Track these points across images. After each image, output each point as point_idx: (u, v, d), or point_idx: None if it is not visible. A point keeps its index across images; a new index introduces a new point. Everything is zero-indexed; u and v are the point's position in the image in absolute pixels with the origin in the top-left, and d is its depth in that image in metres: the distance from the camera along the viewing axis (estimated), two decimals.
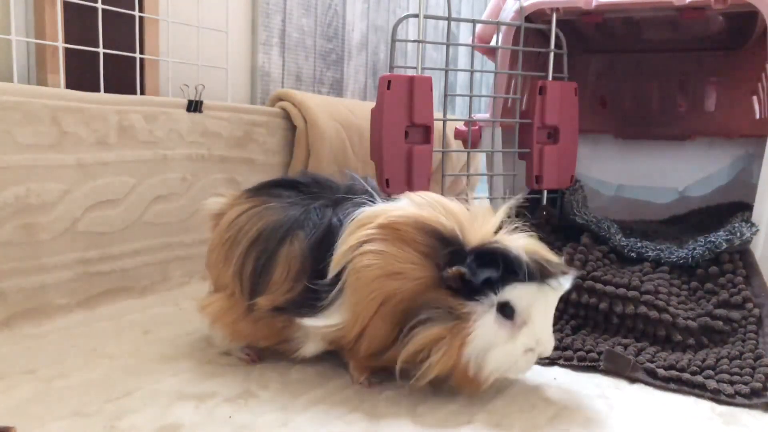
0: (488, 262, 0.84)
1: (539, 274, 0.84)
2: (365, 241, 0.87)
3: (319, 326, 0.89)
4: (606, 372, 1.04)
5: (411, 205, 0.90)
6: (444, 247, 0.85)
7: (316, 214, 0.94)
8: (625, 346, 1.09)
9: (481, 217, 0.89)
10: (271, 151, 1.70)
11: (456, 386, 0.89)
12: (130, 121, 1.33)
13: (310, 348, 0.96)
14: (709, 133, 1.78)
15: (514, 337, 0.85)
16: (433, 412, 0.87)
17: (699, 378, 0.98)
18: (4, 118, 1.12)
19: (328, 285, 0.89)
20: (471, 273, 0.83)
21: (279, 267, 0.93)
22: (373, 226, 0.87)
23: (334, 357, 1.03)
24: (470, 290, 0.84)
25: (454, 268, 0.83)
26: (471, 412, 0.88)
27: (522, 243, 0.87)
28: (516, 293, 0.84)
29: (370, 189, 0.98)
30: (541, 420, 0.86)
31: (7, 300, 1.13)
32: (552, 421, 0.86)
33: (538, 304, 0.86)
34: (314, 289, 0.89)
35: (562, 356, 1.07)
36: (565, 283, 0.87)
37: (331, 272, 0.88)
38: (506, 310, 0.85)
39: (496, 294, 0.84)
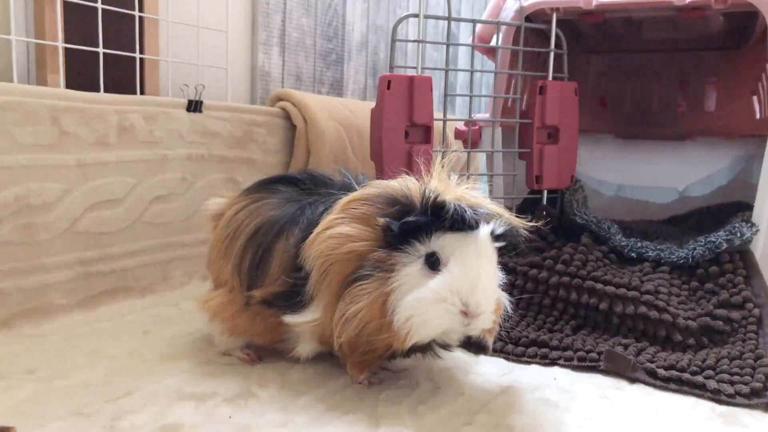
0: (421, 214, 0.83)
1: (457, 219, 0.81)
2: (328, 227, 0.87)
3: (298, 322, 0.90)
4: (606, 372, 1.04)
5: (369, 187, 0.91)
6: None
7: (311, 211, 0.95)
8: (626, 346, 1.09)
9: (433, 179, 0.89)
10: (271, 151, 1.70)
11: (386, 343, 0.87)
12: (130, 121, 1.33)
13: (304, 348, 0.96)
14: (709, 133, 1.78)
15: (426, 284, 0.82)
16: (433, 412, 0.87)
17: (699, 378, 0.98)
18: (4, 118, 1.12)
19: (304, 278, 0.89)
20: (393, 223, 0.82)
21: (275, 261, 0.93)
22: (336, 211, 0.89)
23: (334, 357, 1.04)
24: (399, 243, 0.83)
25: (380, 220, 0.84)
26: (471, 412, 0.88)
27: (456, 192, 0.86)
28: (440, 242, 0.83)
29: (355, 184, 0.98)
30: (541, 420, 0.86)
31: (7, 300, 1.13)
32: (552, 422, 0.86)
33: (458, 253, 0.82)
34: (297, 283, 0.90)
35: (562, 356, 1.07)
36: (485, 231, 0.83)
37: (306, 264, 0.89)
38: (433, 261, 0.83)
39: (422, 244, 0.83)
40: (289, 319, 0.90)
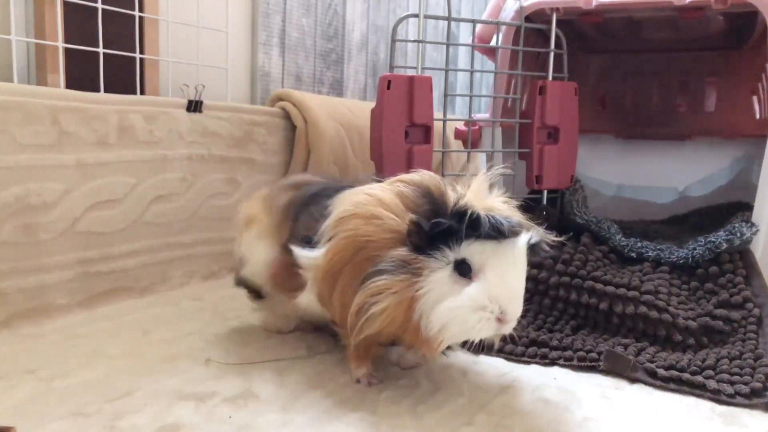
0: (452, 219, 0.84)
1: (494, 230, 0.81)
2: (371, 188, 0.90)
3: (304, 255, 0.93)
4: (606, 372, 1.04)
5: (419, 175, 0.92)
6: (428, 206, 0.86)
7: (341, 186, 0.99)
8: (625, 346, 1.09)
9: (471, 186, 0.90)
10: (271, 151, 1.70)
11: (410, 346, 0.90)
12: (130, 121, 1.33)
13: (305, 297, 0.98)
14: (709, 133, 1.78)
15: (462, 291, 0.82)
16: (433, 412, 0.87)
17: (699, 378, 0.98)
18: (4, 118, 1.12)
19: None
20: (425, 222, 0.82)
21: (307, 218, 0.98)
22: (387, 182, 0.91)
23: (333, 356, 1.04)
24: (428, 246, 0.83)
25: (410, 217, 0.84)
26: (471, 412, 0.88)
27: (487, 202, 0.86)
28: (471, 250, 0.82)
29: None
30: (541, 420, 0.87)
31: (7, 300, 1.13)
32: (552, 422, 0.86)
33: (494, 261, 0.83)
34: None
35: (562, 356, 1.07)
36: (524, 240, 0.84)
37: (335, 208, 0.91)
38: (463, 268, 0.83)
39: (452, 250, 0.83)
40: (298, 252, 0.93)
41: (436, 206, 0.85)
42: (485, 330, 0.84)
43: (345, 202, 0.90)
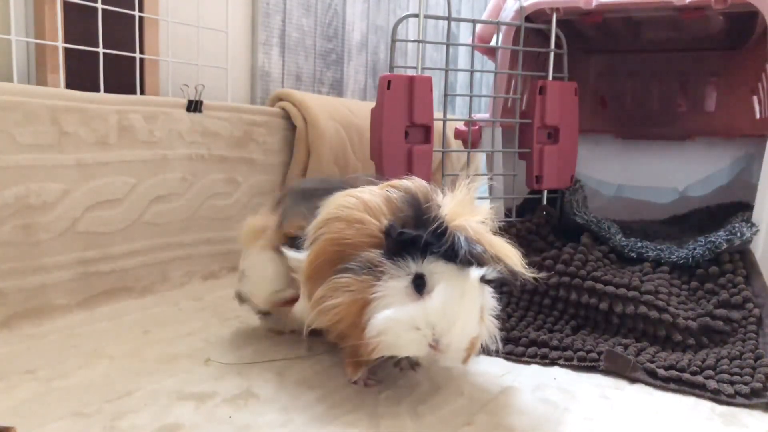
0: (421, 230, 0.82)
1: (451, 250, 0.79)
2: (361, 191, 0.90)
3: (292, 257, 0.94)
4: (606, 372, 1.04)
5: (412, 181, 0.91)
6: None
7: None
8: (625, 346, 1.09)
9: (456, 196, 0.88)
10: (271, 151, 1.70)
11: (350, 347, 0.89)
12: (130, 121, 1.33)
13: (299, 305, 0.98)
14: (709, 133, 1.78)
15: (406, 306, 0.80)
16: (433, 412, 0.87)
17: (699, 378, 0.98)
18: (4, 118, 1.12)
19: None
20: (394, 229, 0.81)
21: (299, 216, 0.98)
22: (379, 186, 0.90)
23: (333, 357, 1.04)
24: (398, 254, 0.82)
25: (383, 221, 0.84)
26: (471, 412, 0.88)
27: (464, 220, 0.83)
28: (430, 267, 0.81)
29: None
30: (541, 420, 0.87)
31: (7, 300, 1.13)
32: (552, 422, 0.86)
33: (445, 285, 0.80)
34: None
35: (562, 356, 1.07)
36: (476, 274, 0.80)
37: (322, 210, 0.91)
38: (419, 283, 0.81)
39: (415, 263, 0.81)
40: (288, 253, 0.95)
41: (419, 214, 0.84)
42: (414, 350, 0.82)
43: (332, 205, 0.89)
